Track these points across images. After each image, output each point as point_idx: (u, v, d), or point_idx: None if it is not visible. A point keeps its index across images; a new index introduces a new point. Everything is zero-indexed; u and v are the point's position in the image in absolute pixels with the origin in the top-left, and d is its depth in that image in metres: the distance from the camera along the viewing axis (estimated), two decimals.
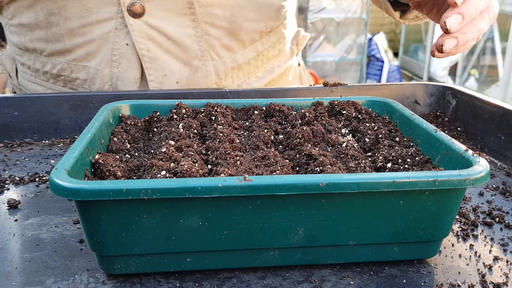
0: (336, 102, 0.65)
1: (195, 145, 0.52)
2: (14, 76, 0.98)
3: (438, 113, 0.87)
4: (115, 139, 0.54)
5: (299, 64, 1.07)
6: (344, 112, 0.64)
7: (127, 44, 0.84)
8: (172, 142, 0.51)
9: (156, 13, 0.83)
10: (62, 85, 0.90)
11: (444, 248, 0.49)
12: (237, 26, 0.88)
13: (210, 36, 0.86)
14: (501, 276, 0.45)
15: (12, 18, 0.88)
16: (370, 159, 0.53)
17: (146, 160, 0.50)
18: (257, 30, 0.91)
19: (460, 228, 0.53)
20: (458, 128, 0.82)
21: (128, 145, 0.55)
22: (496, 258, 0.47)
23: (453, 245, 0.50)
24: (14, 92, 1.01)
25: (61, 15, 0.82)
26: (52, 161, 0.69)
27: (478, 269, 0.45)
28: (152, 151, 0.53)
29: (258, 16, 0.89)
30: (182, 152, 0.49)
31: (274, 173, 0.45)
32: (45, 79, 0.91)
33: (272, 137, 0.56)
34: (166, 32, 0.84)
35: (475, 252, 0.48)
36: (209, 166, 0.48)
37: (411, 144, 0.55)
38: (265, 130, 0.57)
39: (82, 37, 0.84)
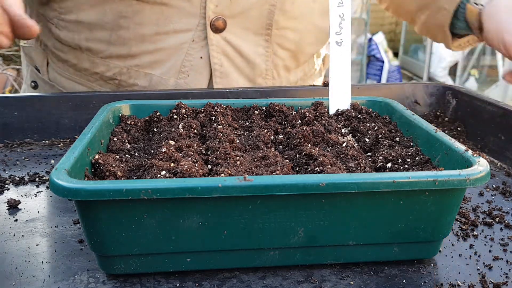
0: None
1: (195, 145, 0.52)
2: (44, 71, 0.93)
3: (438, 113, 0.87)
4: (115, 139, 0.54)
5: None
6: (344, 112, 0.64)
7: (201, 57, 0.84)
8: (172, 142, 0.51)
9: (235, 30, 0.84)
10: (112, 89, 0.88)
11: (444, 248, 0.49)
12: (301, 49, 0.93)
13: (277, 56, 0.90)
14: (501, 276, 0.45)
15: (67, 13, 0.84)
16: (370, 159, 0.53)
17: (146, 160, 0.50)
18: (312, 53, 0.97)
19: (460, 228, 0.53)
20: (458, 128, 0.82)
21: (128, 145, 0.55)
22: (496, 258, 0.47)
23: (453, 245, 0.50)
24: (35, 84, 0.96)
25: (133, 20, 0.81)
26: (52, 161, 0.69)
27: (478, 269, 0.45)
28: (152, 151, 0.53)
29: (316, 40, 0.95)
30: (182, 152, 0.49)
31: (274, 173, 0.45)
32: (92, 80, 0.88)
33: (272, 137, 0.56)
34: (241, 49, 0.86)
35: (475, 252, 0.48)
36: (209, 166, 0.48)
37: (411, 144, 0.55)
38: (265, 130, 0.57)
39: (153, 44, 0.83)
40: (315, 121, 0.61)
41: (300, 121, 0.61)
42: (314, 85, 0.93)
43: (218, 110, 0.62)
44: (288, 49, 0.91)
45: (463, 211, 0.56)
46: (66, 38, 0.86)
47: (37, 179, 0.63)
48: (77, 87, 0.90)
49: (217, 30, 0.83)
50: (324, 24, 0.94)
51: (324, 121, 0.60)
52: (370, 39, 4.49)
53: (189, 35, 0.83)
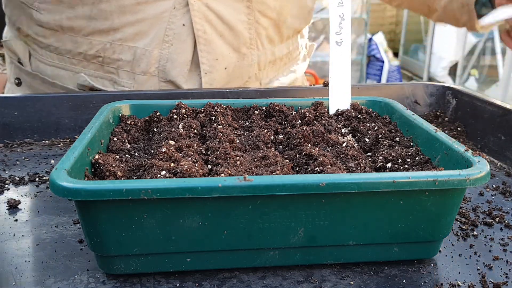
0: None
1: (195, 145, 0.52)
2: (26, 62, 0.94)
3: (438, 113, 0.87)
4: (115, 139, 0.54)
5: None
6: (344, 112, 0.64)
7: (183, 25, 0.84)
8: (172, 142, 0.51)
9: None
10: (96, 68, 0.88)
11: (444, 248, 0.49)
12: (282, 19, 0.92)
13: (259, 25, 0.90)
14: (501, 276, 0.45)
15: None
16: (370, 159, 0.53)
17: (146, 160, 0.50)
18: (294, 27, 0.97)
19: (460, 228, 0.53)
20: (458, 128, 0.82)
21: (128, 145, 0.55)
22: (496, 258, 0.47)
23: (453, 244, 0.50)
24: (18, 81, 0.97)
25: None
26: (52, 161, 0.69)
27: (478, 269, 0.45)
28: (152, 151, 0.53)
29: (297, 13, 0.95)
30: (182, 152, 0.49)
31: (274, 173, 0.45)
32: (76, 62, 0.88)
33: (272, 137, 0.56)
34: (222, 15, 0.85)
35: (475, 252, 0.48)
36: (209, 166, 0.48)
37: (411, 144, 0.55)
38: (265, 130, 0.57)
39: (134, 15, 0.83)
40: (315, 121, 0.61)
41: (300, 121, 0.61)
42: (314, 85, 0.93)
43: (218, 110, 0.62)
44: (269, 17, 0.90)
45: (463, 211, 0.56)
46: (47, 20, 0.86)
47: (37, 179, 0.63)
48: (61, 72, 0.90)
49: None
50: (302, 1, 0.95)
51: (324, 121, 0.60)
52: (370, 39, 4.49)
53: (170, 2, 0.83)
